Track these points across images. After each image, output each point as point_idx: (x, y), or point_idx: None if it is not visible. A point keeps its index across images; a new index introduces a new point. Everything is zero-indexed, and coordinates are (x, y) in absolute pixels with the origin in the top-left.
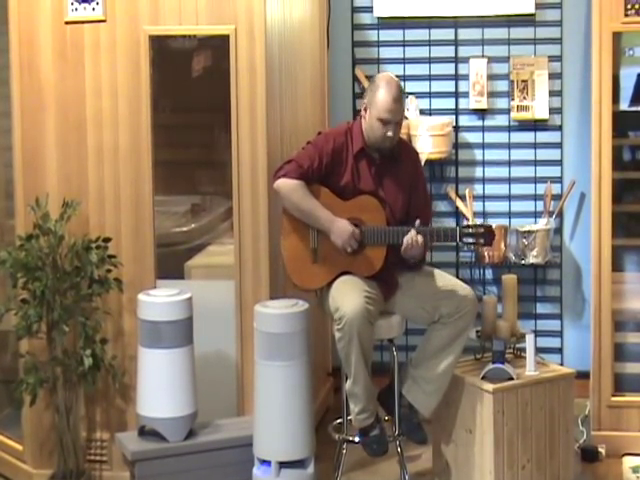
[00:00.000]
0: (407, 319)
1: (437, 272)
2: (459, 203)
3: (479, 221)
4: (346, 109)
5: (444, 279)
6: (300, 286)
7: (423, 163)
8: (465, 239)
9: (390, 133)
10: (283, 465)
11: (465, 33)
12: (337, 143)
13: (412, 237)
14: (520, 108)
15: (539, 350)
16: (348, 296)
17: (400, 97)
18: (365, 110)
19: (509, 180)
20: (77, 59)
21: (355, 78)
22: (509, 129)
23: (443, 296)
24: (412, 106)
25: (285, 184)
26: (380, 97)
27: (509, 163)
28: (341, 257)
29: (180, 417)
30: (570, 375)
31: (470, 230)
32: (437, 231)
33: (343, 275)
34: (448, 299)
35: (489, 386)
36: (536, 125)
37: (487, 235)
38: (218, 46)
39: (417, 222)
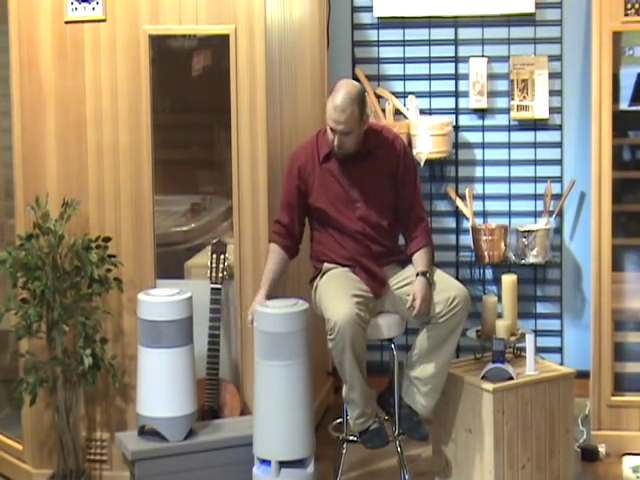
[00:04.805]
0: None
1: None
2: (459, 203)
3: (479, 221)
4: None
5: (436, 277)
6: None
7: (423, 163)
8: None
9: (336, 142)
10: (283, 465)
11: (465, 33)
12: (300, 159)
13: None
14: (520, 108)
15: (539, 350)
16: (338, 303)
17: (345, 107)
18: None
19: (509, 180)
20: (77, 58)
21: (355, 78)
22: (509, 129)
23: (434, 294)
24: (412, 106)
25: (269, 250)
26: (328, 103)
27: (509, 163)
28: None
29: (180, 417)
30: (570, 375)
31: None
32: None
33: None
34: (439, 297)
35: (489, 386)
36: (536, 125)
37: None
38: (218, 46)
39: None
